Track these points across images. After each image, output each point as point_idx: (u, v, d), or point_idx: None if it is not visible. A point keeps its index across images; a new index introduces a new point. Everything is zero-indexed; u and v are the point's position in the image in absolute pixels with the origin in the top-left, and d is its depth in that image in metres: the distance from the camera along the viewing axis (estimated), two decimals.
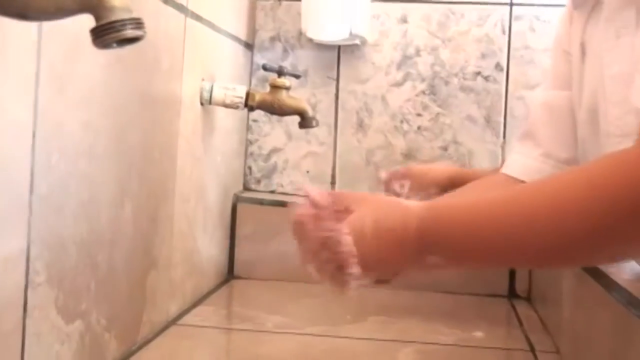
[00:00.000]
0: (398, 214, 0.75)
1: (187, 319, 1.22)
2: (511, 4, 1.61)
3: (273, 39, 1.65)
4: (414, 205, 0.75)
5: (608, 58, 0.94)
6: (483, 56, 1.61)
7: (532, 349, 1.16)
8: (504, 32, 1.61)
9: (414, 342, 1.16)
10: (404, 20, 1.63)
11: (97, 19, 0.48)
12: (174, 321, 1.19)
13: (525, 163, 1.11)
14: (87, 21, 0.56)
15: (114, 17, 0.48)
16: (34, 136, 0.73)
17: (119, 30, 0.48)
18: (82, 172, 0.85)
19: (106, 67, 0.89)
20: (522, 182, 1.09)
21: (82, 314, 0.87)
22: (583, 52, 1.03)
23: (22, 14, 0.48)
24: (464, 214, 0.73)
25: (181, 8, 1.14)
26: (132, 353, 1.02)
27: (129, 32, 0.48)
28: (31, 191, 0.74)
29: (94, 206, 0.88)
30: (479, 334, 1.22)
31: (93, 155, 0.87)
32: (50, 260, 0.78)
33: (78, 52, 0.81)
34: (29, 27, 0.71)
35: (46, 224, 0.77)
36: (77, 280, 0.85)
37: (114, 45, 0.49)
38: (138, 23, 0.49)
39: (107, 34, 0.48)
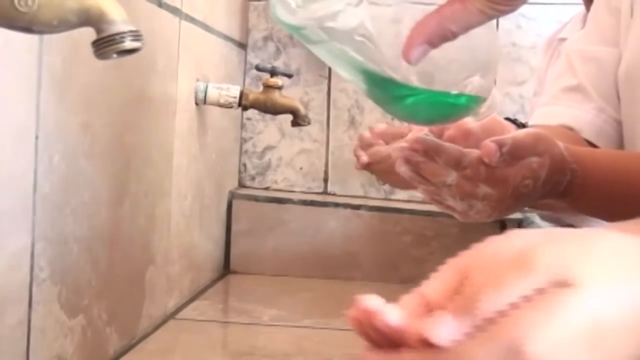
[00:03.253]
0: None
1: (185, 313, 1.25)
2: None
3: (266, 39, 1.68)
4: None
5: None
6: None
7: None
8: None
9: None
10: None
11: (98, 32, 0.52)
12: (172, 315, 1.22)
13: (578, 115, 1.06)
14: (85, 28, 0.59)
15: (114, 30, 0.51)
16: (36, 138, 0.77)
17: (119, 42, 0.51)
18: (82, 172, 0.88)
19: (104, 70, 0.92)
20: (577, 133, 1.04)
21: (84, 308, 0.90)
22: (632, 12, 1.00)
23: (28, 28, 0.52)
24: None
25: (175, 11, 1.17)
26: (132, 346, 1.05)
27: (128, 44, 0.52)
28: (35, 190, 0.77)
29: (93, 204, 0.92)
30: None
31: (92, 156, 0.90)
32: (53, 257, 0.82)
33: (77, 57, 0.84)
34: (30, 35, 0.75)
35: (49, 222, 0.80)
36: (78, 276, 0.88)
37: (114, 55, 0.53)
38: (136, 35, 0.52)
39: (107, 46, 0.52)
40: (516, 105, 1.64)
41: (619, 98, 1.03)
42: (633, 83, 0.97)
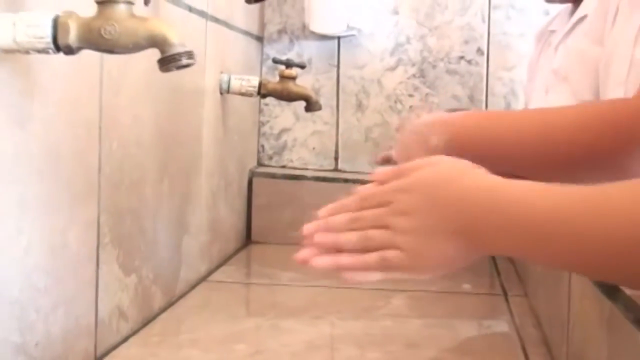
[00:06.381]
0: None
1: (215, 276, 1.44)
2: None
3: (280, 32, 1.85)
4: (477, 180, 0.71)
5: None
6: (466, 42, 1.82)
7: (505, 294, 1.38)
8: (483, 21, 1.81)
9: (407, 290, 1.38)
10: (395, 12, 1.83)
11: (162, 52, 0.70)
12: (204, 278, 1.41)
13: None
14: None
15: (174, 51, 0.69)
16: (100, 129, 0.95)
17: (178, 60, 0.69)
18: (133, 155, 1.06)
19: (148, 70, 1.10)
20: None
21: (135, 269, 1.08)
22: (614, 18, 1.20)
23: (110, 51, 0.69)
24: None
25: (202, 14, 1.35)
26: (173, 303, 1.24)
27: (185, 62, 0.69)
28: (99, 171, 0.95)
29: (141, 183, 1.10)
30: (466, 286, 1.43)
31: (140, 142, 1.08)
32: (113, 225, 1.00)
33: (128, 62, 1.02)
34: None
35: (110, 197, 0.98)
36: (131, 241, 1.07)
37: (174, 69, 0.70)
38: (190, 55, 0.70)
39: (169, 63, 0.69)
40: (507, 88, 1.81)
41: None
42: (607, 69, 1.17)
